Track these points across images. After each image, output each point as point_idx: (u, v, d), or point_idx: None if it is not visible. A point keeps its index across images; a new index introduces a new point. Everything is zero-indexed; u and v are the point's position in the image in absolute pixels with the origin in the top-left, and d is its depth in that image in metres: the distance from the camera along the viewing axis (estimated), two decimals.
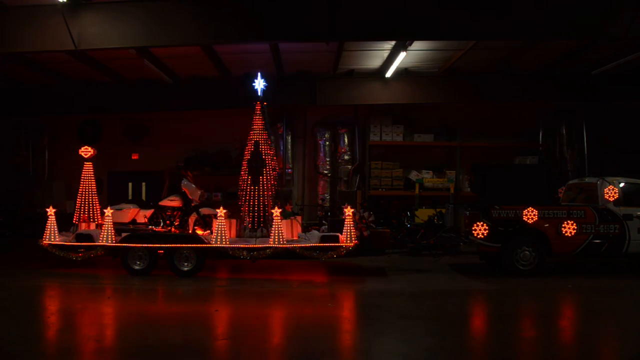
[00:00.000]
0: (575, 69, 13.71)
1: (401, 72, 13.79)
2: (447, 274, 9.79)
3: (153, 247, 9.28)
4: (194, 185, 10.62)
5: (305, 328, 6.36)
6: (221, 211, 9.25)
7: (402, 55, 11.66)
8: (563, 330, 6.27)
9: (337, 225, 9.95)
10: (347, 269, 10.22)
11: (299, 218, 10.93)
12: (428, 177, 15.05)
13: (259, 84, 10.55)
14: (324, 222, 11.67)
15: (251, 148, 10.08)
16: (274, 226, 9.20)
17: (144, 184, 15.28)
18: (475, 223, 9.46)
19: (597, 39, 10.79)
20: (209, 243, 9.24)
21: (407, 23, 9.45)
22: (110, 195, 14.81)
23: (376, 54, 12.54)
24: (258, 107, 10.44)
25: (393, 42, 11.54)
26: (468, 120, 15.26)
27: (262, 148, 10.07)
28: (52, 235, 9.59)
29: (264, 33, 9.68)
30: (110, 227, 9.40)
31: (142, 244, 9.31)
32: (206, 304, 7.70)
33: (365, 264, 10.52)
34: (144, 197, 14.60)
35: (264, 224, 10.06)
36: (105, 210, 9.61)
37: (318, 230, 10.86)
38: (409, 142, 15.21)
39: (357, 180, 15.57)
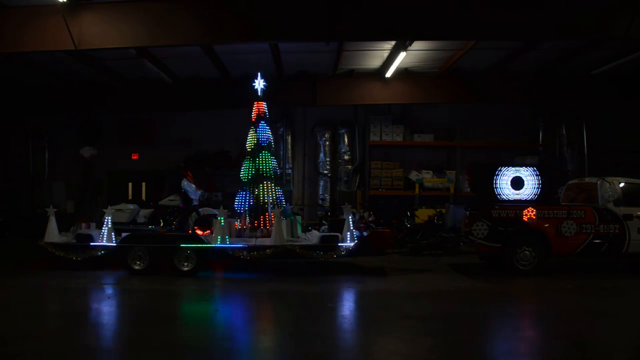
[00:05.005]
0: (575, 69, 13.72)
1: (401, 72, 13.80)
2: (447, 274, 9.79)
3: (153, 247, 9.28)
4: (194, 185, 10.62)
5: (306, 328, 6.35)
6: (221, 211, 9.25)
7: (402, 55, 11.67)
8: (563, 330, 6.26)
9: (337, 225, 9.94)
10: (347, 269, 10.22)
11: (299, 218, 10.93)
12: (428, 177, 15.06)
13: (259, 84, 10.56)
14: (324, 222, 11.66)
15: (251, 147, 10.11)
16: (274, 226, 9.20)
17: (144, 184, 15.26)
18: (475, 223, 9.45)
19: (597, 39, 10.80)
20: (209, 243, 9.23)
21: (407, 23, 9.46)
22: (110, 195, 14.81)
23: (376, 54, 12.55)
24: (258, 107, 10.46)
25: (393, 42, 11.55)
26: (468, 120, 15.28)
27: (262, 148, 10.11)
28: (52, 235, 9.59)
29: (264, 33, 9.68)
30: (110, 227, 9.40)
31: (142, 244, 9.31)
32: (206, 303, 7.70)
33: (365, 264, 10.51)
34: (144, 197, 14.57)
35: (263, 224, 10.08)
36: (105, 210, 9.62)
37: (318, 230, 10.86)
38: (409, 142, 15.23)
39: (357, 180, 15.58)
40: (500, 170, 9.86)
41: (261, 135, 10.59)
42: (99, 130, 15.67)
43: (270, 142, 10.76)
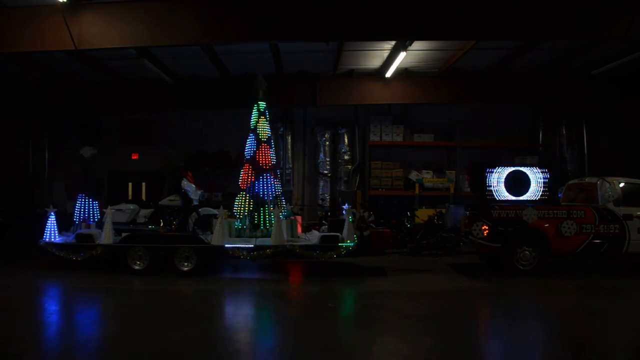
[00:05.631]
0: (575, 69, 13.72)
1: (401, 72, 13.80)
2: (447, 274, 9.79)
3: (153, 247, 9.28)
4: (194, 185, 10.62)
5: (306, 328, 6.36)
6: (221, 211, 9.25)
7: (402, 55, 11.67)
8: (563, 330, 6.26)
9: (337, 225, 9.94)
10: (347, 269, 10.22)
11: (299, 218, 10.93)
12: (428, 177, 15.06)
13: (259, 84, 10.55)
14: (324, 222, 11.66)
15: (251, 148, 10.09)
16: (274, 226, 9.20)
17: (144, 184, 15.27)
18: (475, 223, 9.45)
19: (597, 39, 10.80)
20: (209, 243, 9.23)
21: (407, 23, 9.46)
22: (110, 195, 14.81)
23: (376, 54, 12.55)
24: (258, 108, 10.45)
25: (393, 42, 11.55)
26: (468, 120, 15.27)
27: (262, 148, 10.08)
28: (52, 235, 9.59)
29: (264, 33, 9.68)
30: (110, 227, 9.41)
31: (142, 244, 9.31)
32: (206, 303, 7.70)
33: (365, 264, 10.51)
34: (144, 197, 14.58)
35: (263, 224, 10.07)
36: (105, 210, 9.62)
37: (318, 230, 10.86)
38: (409, 142, 15.23)
39: (357, 180, 15.57)
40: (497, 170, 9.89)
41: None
42: (99, 130, 15.67)
43: (269, 138, 10.71)
